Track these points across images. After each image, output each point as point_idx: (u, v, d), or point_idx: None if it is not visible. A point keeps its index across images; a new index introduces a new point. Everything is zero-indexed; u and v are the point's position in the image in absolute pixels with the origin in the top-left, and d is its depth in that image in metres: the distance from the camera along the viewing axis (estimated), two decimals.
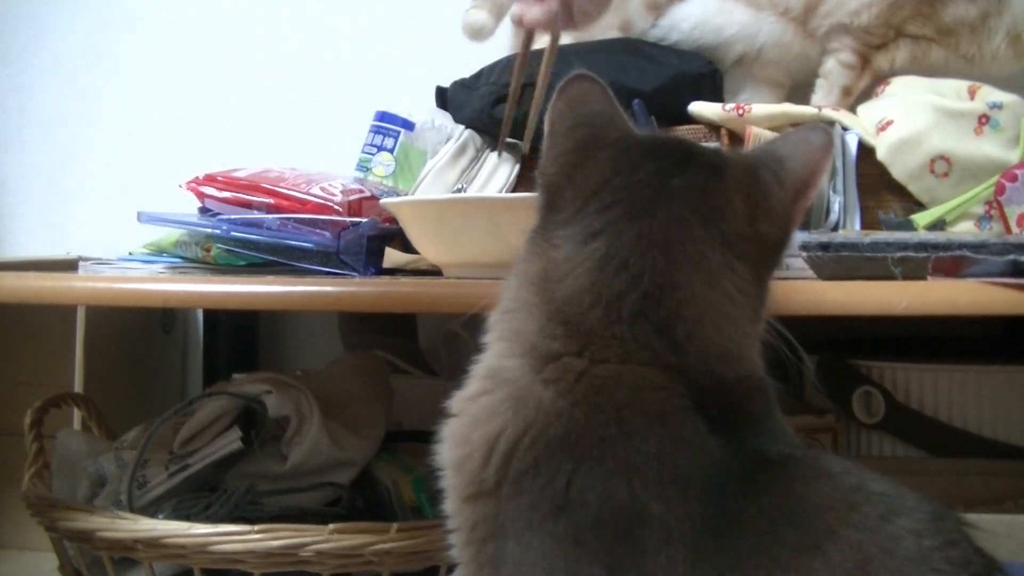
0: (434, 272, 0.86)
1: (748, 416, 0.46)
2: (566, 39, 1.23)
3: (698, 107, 0.98)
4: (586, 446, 0.44)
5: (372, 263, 0.89)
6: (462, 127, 1.09)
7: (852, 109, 1.01)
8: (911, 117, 0.91)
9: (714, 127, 0.98)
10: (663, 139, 0.52)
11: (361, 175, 1.14)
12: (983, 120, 0.90)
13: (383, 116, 1.17)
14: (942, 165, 0.89)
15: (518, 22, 0.83)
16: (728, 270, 0.47)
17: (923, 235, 0.75)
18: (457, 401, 0.50)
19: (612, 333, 0.46)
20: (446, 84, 1.12)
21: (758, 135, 0.93)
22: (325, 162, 1.14)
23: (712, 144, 0.95)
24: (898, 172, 0.91)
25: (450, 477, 0.49)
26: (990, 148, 0.89)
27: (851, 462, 0.45)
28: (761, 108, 0.95)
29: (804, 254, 0.74)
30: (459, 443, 0.48)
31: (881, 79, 1.03)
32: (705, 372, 0.46)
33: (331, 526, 0.74)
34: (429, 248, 0.84)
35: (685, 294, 0.46)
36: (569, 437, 0.45)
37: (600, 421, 0.44)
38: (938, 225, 0.89)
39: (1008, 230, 0.82)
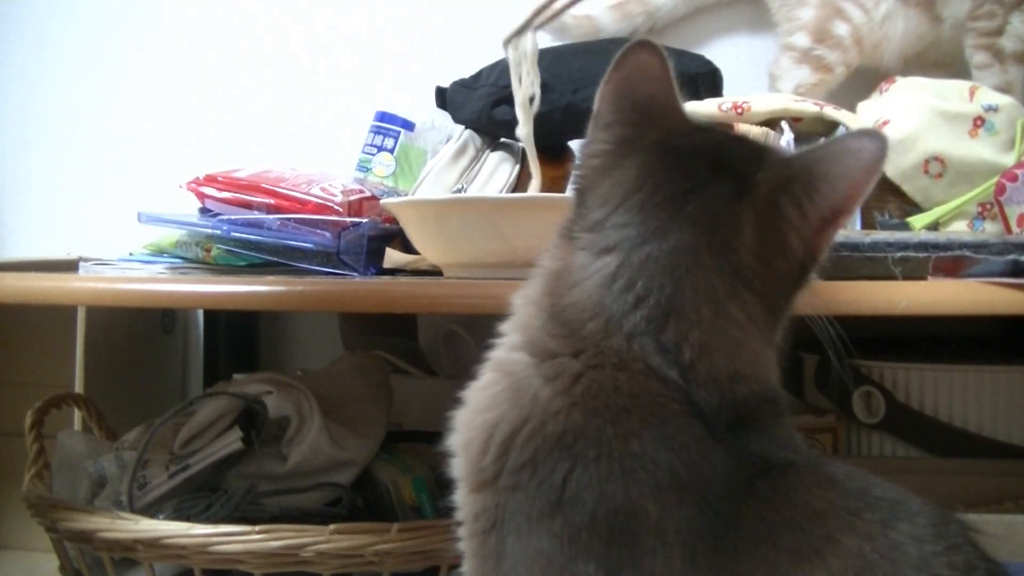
0: (434, 272, 0.86)
1: (755, 424, 0.46)
2: (565, 38, 1.23)
3: (691, 107, 0.97)
4: (583, 446, 0.44)
5: (372, 263, 0.89)
6: (462, 127, 1.09)
7: (853, 107, 1.01)
8: (907, 117, 0.91)
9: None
10: (700, 146, 0.50)
11: (361, 175, 1.14)
12: (978, 122, 0.90)
13: (383, 116, 1.17)
14: (936, 166, 0.89)
15: None
16: (736, 299, 0.46)
17: (923, 235, 0.75)
18: (470, 390, 0.51)
19: (608, 345, 0.46)
20: (446, 84, 1.12)
21: (746, 133, 0.93)
22: (325, 162, 1.15)
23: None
24: (892, 172, 0.91)
25: (457, 465, 0.49)
26: (984, 150, 0.89)
27: (855, 467, 0.45)
28: (761, 104, 0.94)
29: None
30: (463, 429, 0.49)
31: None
32: (716, 391, 0.45)
33: (332, 526, 0.74)
34: (429, 248, 0.84)
35: (692, 320, 0.46)
36: (566, 436, 0.45)
37: (598, 424, 0.45)
38: (932, 226, 0.89)
39: (1008, 230, 0.82)
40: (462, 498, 0.49)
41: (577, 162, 0.52)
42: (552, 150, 1.03)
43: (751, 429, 0.46)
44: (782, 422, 0.48)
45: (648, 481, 0.43)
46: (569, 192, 0.52)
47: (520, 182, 1.05)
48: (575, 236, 0.49)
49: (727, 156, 0.49)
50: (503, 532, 0.46)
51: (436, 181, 1.03)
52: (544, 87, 1.01)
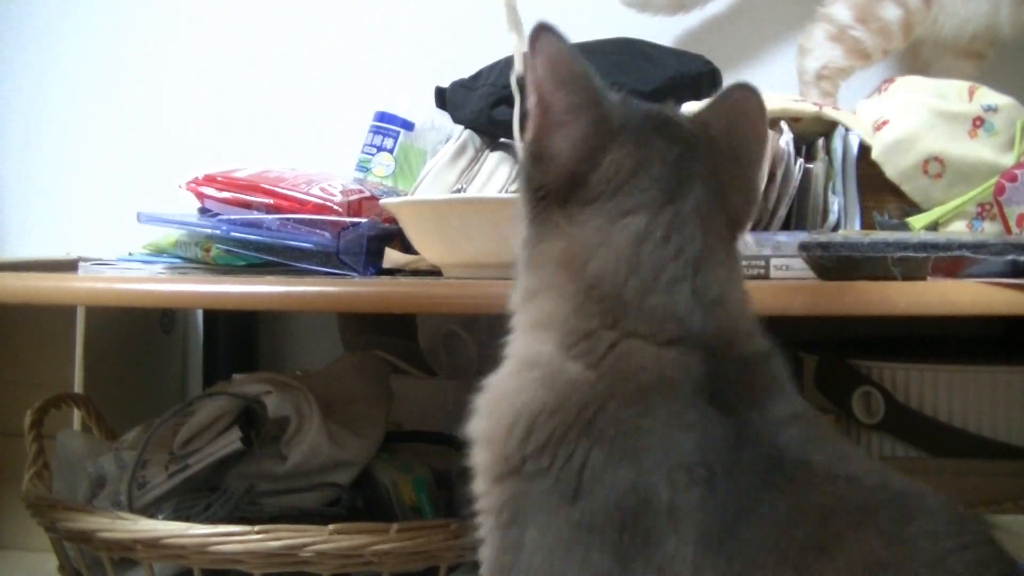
0: (434, 272, 0.86)
1: (762, 387, 0.48)
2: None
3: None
4: (601, 426, 0.45)
5: (372, 263, 0.89)
6: (461, 127, 1.09)
7: (852, 107, 1.01)
8: (906, 117, 0.91)
9: None
10: (659, 117, 0.53)
11: (361, 175, 1.14)
12: (977, 123, 0.90)
13: (383, 116, 1.17)
14: (935, 166, 0.89)
15: None
16: (733, 250, 0.52)
17: (923, 235, 0.75)
18: (495, 378, 0.51)
19: (647, 303, 0.48)
20: (446, 84, 1.12)
21: None
22: (325, 162, 1.15)
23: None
24: (891, 172, 0.90)
25: (480, 453, 0.50)
26: (983, 151, 0.89)
27: (875, 461, 0.45)
28: None
29: (804, 254, 0.74)
30: (487, 415, 0.50)
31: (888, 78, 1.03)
32: (730, 346, 0.48)
33: (331, 526, 0.74)
34: (429, 248, 0.84)
35: (715, 268, 0.49)
36: (587, 410, 0.46)
37: (618, 401, 0.46)
38: (931, 226, 0.89)
39: (1008, 230, 0.82)
40: (485, 487, 0.49)
41: (543, 143, 0.52)
42: None
43: (759, 395, 0.47)
44: (783, 382, 0.49)
45: (659, 463, 0.44)
46: (535, 184, 0.52)
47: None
48: (570, 214, 0.50)
49: (685, 125, 0.53)
50: (524, 524, 0.46)
51: (435, 181, 1.03)
52: None
